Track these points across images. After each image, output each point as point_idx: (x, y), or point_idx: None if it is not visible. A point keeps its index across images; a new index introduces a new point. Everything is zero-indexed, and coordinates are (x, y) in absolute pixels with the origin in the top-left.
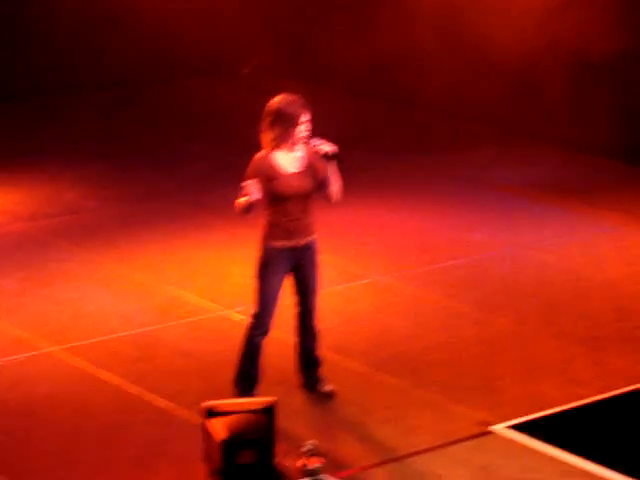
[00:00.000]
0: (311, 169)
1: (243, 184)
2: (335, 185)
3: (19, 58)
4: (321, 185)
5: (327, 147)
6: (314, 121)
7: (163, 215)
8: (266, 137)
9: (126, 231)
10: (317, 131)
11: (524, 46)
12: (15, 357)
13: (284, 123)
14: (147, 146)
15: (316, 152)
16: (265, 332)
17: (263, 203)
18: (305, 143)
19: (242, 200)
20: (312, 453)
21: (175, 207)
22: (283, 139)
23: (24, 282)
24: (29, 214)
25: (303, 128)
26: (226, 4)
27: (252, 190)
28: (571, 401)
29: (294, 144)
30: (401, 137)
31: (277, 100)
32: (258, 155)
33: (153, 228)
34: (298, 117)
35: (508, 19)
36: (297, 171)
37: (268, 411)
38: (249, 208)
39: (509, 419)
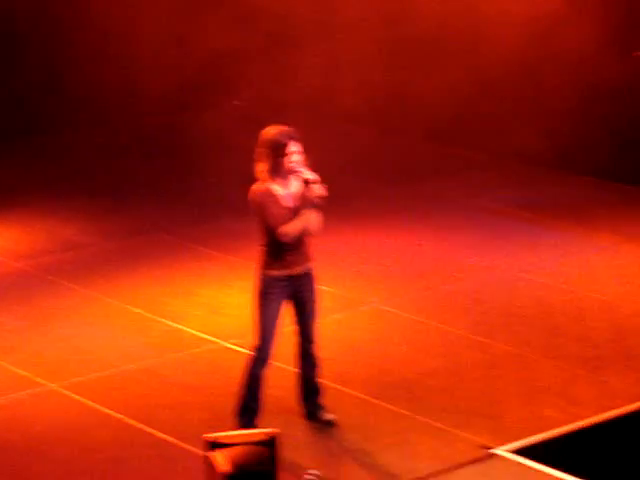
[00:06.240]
0: (304, 199)
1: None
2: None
3: (11, 99)
4: None
5: (310, 176)
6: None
7: (159, 249)
8: (259, 167)
9: (122, 266)
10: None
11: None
12: (15, 395)
13: (275, 153)
14: (142, 180)
15: (304, 181)
16: (266, 362)
17: (260, 233)
18: (296, 173)
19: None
20: None
21: (171, 240)
22: (275, 170)
23: (23, 320)
24: (27, 252)
25: (293, 158)
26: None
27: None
28: (573, 422)
29: (287, 174)
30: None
31: (267, 130)
32: (258, 187)
33: (149, 262)
34: (286, 147)
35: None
36: (293, 202)
37: (271, 442)
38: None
39: (511, 442)
